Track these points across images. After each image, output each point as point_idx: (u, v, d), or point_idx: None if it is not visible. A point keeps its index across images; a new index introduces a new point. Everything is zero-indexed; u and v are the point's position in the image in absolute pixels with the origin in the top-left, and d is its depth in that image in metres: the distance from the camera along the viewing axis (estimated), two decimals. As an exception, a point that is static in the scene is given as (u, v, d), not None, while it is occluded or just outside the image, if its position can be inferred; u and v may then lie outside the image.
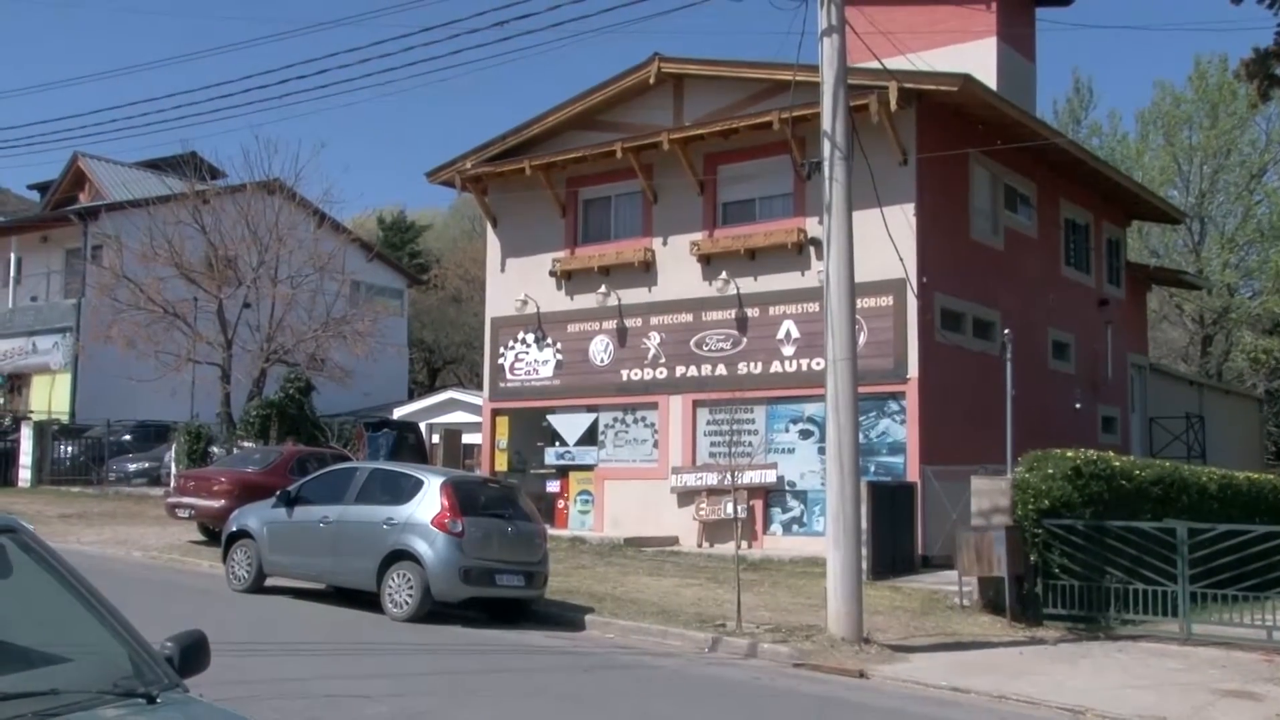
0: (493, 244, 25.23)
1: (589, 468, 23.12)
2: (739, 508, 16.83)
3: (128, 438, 32.16)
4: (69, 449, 31.39)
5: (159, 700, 3.49)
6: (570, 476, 23.39)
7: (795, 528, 20.50)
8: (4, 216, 44.98)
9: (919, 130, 19.67)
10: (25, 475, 30.37)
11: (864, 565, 14.32)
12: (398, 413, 34.17)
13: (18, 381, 37.56)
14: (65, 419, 33.76)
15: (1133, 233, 35.54)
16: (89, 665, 3.68)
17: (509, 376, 24.39)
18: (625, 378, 22.64)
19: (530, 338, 24.06)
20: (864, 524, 14.67)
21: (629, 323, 22.70)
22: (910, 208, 19.27)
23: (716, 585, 15.80)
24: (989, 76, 21.92)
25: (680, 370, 21.97)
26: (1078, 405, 24.01)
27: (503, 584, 13.43)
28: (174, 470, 26.19)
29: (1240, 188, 42.38)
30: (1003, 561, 14.01)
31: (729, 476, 15.33)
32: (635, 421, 22.68)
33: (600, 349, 23.07)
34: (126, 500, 26.73)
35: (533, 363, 24.04)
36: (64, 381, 35.46)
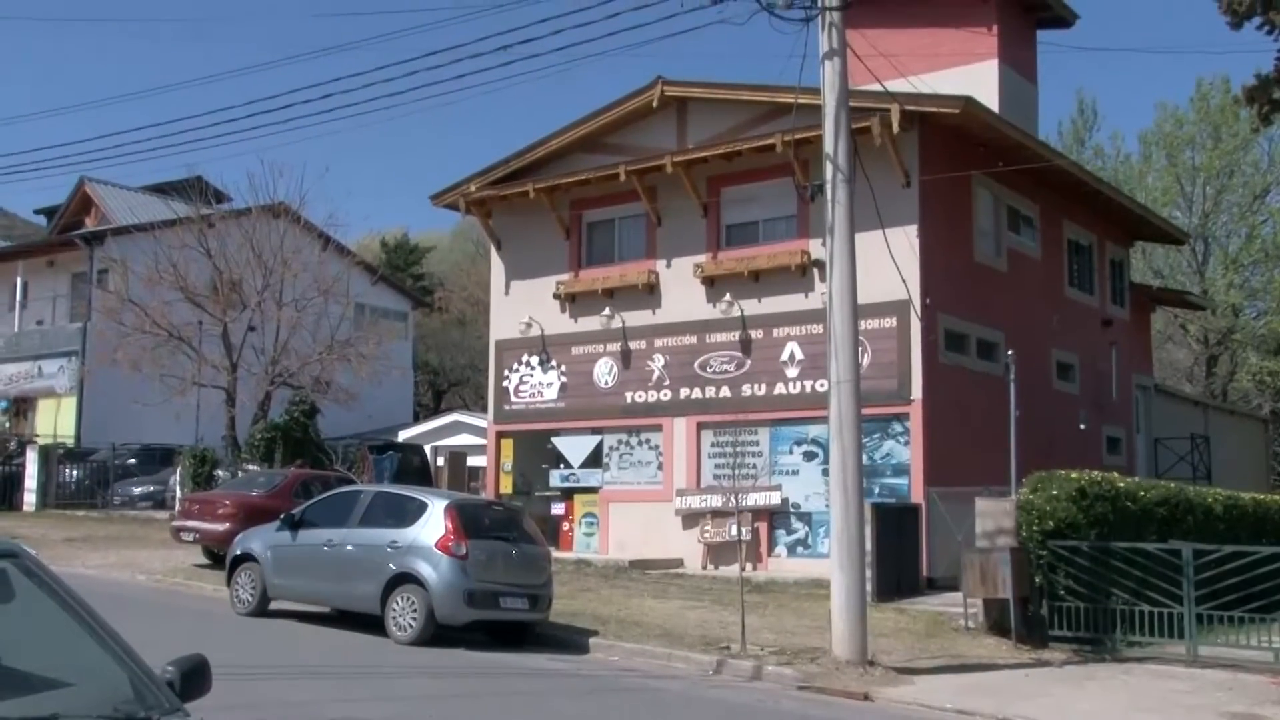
0: (497, 267, 25.30)
1: (594, 490, 23.10)
2: (743, 530, 16.81)
3: (133, 461, 32.21)
4: (74, 473, 31.43)
5: (159, 724, 3.49)
6: (575, 499, 23.37)
7: (800, 550, 20.45)
8: (10, 241, 45.20)
9: (921, 152, 19.72)
10: (30, 499, 30.39)
11: (869, 587, 14.30)
12: (403, 435, 34.20)
13: (23, 405, 37.63)
14: (70, 443, 33.80)
15: (1136, 253, 35.55)
16: (90, 690, 3.68)
17: (514, 399, 24.41)
18: (629, 400, 22.65)
19: (535, 360, 24.09)
20: (868, 546, 14.65)
21: (633, 345, 22.73)
22: (913, 229, 19.30)
23: (721, 608, 15.76)
24: (991, 98, 21.98)
25: (684, 392, 21.97)
26: (1082, 426, 23.95)
27: (507, 607, 13.41)
28: (179, 493, 26.20)
29: (1244, 208, 42.41)
30: (1008, 583, 13.96)
31: (733, 499, 15.32)
32: (640, 444, 22.67)
33: (604, 371, 23.09)
34: (131, 523, 26.73)
35: (537, 385, 24.06)
36: (69, 405, 35.52)
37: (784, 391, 20.80)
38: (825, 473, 17.63)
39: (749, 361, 21.28)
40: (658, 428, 22.33)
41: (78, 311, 36.59)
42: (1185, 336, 44.86)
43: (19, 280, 38.39)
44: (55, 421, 35.53)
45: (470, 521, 13.51)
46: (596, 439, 23.22)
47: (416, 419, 41.26)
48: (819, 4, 12.89)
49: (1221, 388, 43.75)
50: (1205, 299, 38.76)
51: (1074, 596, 14.15)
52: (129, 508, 29.52)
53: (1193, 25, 72.25)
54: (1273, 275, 41.25)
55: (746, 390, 21.19)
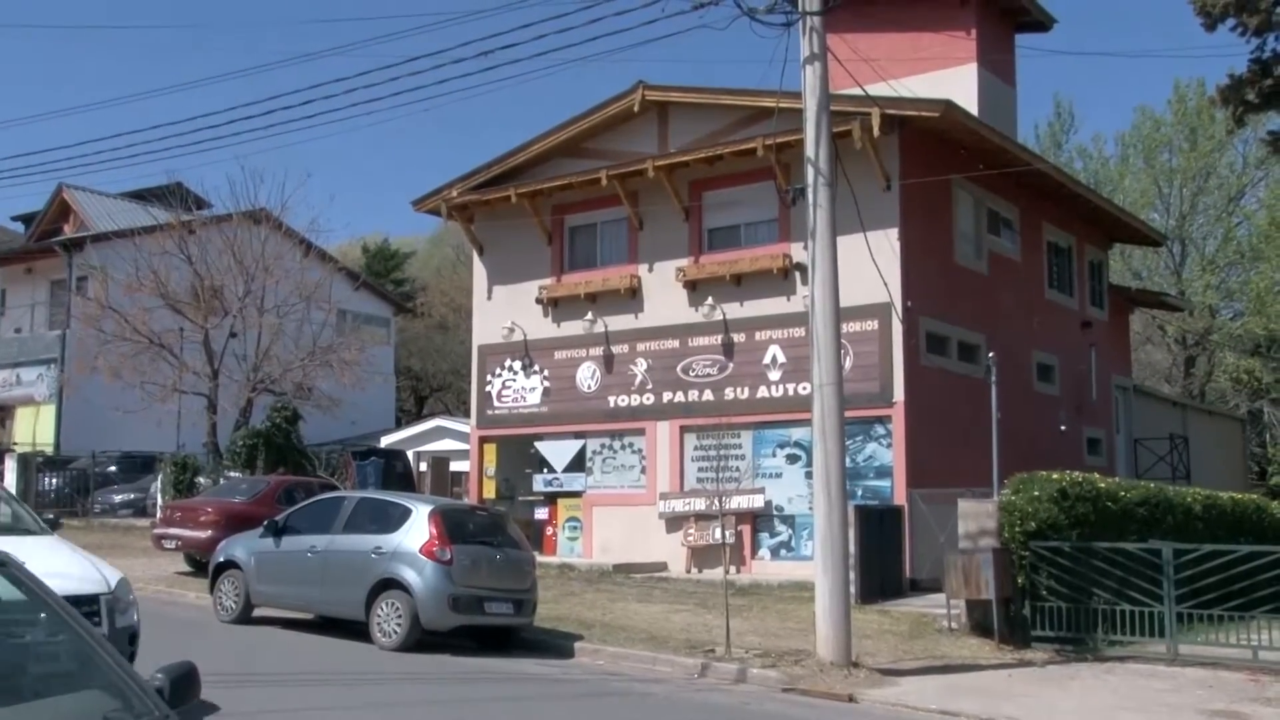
0: (479, 272, 25.28)
1: (577, 494, 23.11)
2: (727, 533, 16.85)
3: (113, 469, 32.04)
4: (54, 481, 31.23)
5: (150, 731, 3.50)
6: (558, 503, 23.37)
7: (783, 552, 20.51)
8: (-12, 248, 44.83)
9: (902, 156, 19.82)
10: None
11: (852, 589, 14.36)
12: (385, 441, 34.10)
13: (1, 414, 37.39)
14: (50, 451, 33.60)
15: (1115, 255, 35.80)
16: (79, 698, 3.68)
17: (496, 404, 24.40)
18: (612, 404, 22.67)
19: (517, 365, 24.09)
20: (852, 548, 14.71)
21: (616, 349, 22.75)
22: (894, 232, 19.40)
23: (705, 611, 15.80)
24: (970, 102, 22.11)
25: (667, 396, 22.01)
26: (1063, 427, 24.11)
27: (492, 612, 13.41)
28: (160, 501, 26.08)
29: (1220, 210, 42.77)
30: (990, 584, 14.04)
31: (717, 502, 15.36)
32: (623, 448, 22.69)
33: (587, 376, 23.11)
34: (112, 532, 26.58)
35: (520, 390, 24.05)
36: (49, 413, 35.30)
37: (766, 395, 20.86)
38: (808, 475, 17.70)
39: (731, 365, 21.33)
40: (641, 431, 22.36)
41: (57, 319, 36.38)
42: (1163, 337, 45.16)
43: (-4, 288, 38.15)
44: (34, 429, 35.32)
45: (454, 527, 13.50)
46: (580, 443, 23.23)
47: (399, 425, 41.15)
48: (799, 9, 12.95)
49: (1199, 388, 44.06)
50: (1183, 300, 39.05)
51: (1056, 597, 14.24)
52: (110, 516, 29.36)
53: (1170, 28, 72.82)
54: (1249, 276, 41.57)
55: (729, 394, 21.24)
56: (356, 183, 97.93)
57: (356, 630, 13.49)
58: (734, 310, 21.29)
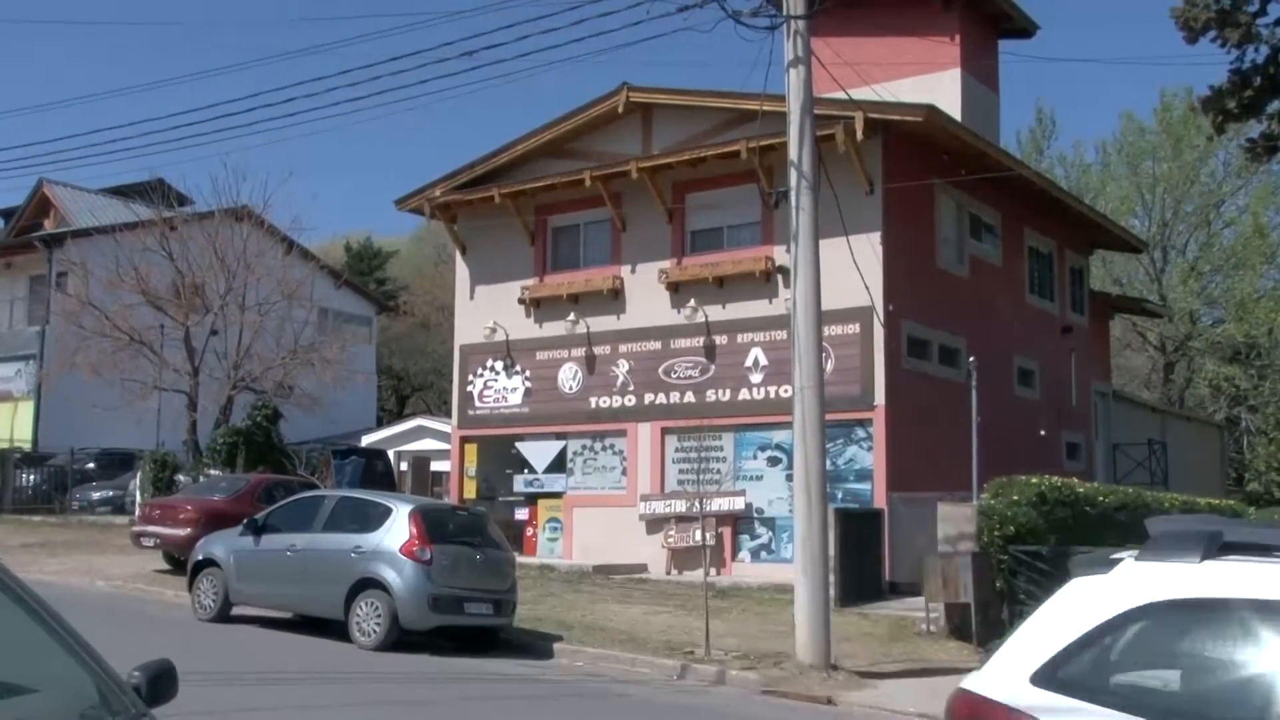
0: (462, 272, 25.25)
1: (558, 495, 23.10)
2: (707, 535, 16.87)
3: (92, 466, 31.85)
4: (32, 477, 31.03)
5: (126, 730, 3.48)
6: (539, 504, 23.36)
7: (764, 555, 20.54)
8: (-33, 243, 44.50)
9: (885, 160, 19.88)
10: (-13, 504, 29.97)
11: (832, 592, 14.38)
12: (366, 440, 34.02)
13: (-20, 409, 37.09)
14: (28, 447, 33.38)
15: (1096, 261, 35.98)
16: (55, 696, 3.66)
17: (478, 404, 24.37)
18: (594, 405, 22.68)
19: (499, 365, 24.07)
20: (832, 551, 14.73)
21: (598, 350, 22.76)
22: (876, 236, 19.45)
23: (685, 613, 15.81)
24: (953, 107, 22.20)
25: (649, 398, 22.02)
26: (1042, 432, 24.23)
27: (471, 612, 13.41)
28: (139, 498, 25.94)
29: (1201, 217, 43.05)
30: (969, 587, 14.11)
31: (697, 504, 15.38)
32: (604, 449, 22.69)
33: (569, 377, 23.10)
34: (90, 529, 26.42)
35: (502, 390, 24.03)
36: (27, 409, 35.07)
37: (748, 397, 20.89)
38: (789, 478, 17.70)
39: (713, 367, 21.36)
40: (622, 433, 22.37)
41: (36, 314, 36.13)
42: (1143, 343, 45.44)
43: (-25, 283, 37.85)
44: (12, 425, 35.06)
45: (435, 526, 13.49)
46: (561, 444, 23.23)
47: (380, 424, 41.06)
48: (784, 12, 12.99)
49: (1178, 394, 44.36)
50: (1163, 306, 39.29)
51: (1034, 600, 14.24)
52: (88, 513, 29.19)
53: (1152, 36, 73.32)
54: (1230, 283, 41.87)
55: (711, 396, 21.27)
56: (339, 181, 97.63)
57: (336, 630, 13.46)
58: (716, 312, 21.32)
